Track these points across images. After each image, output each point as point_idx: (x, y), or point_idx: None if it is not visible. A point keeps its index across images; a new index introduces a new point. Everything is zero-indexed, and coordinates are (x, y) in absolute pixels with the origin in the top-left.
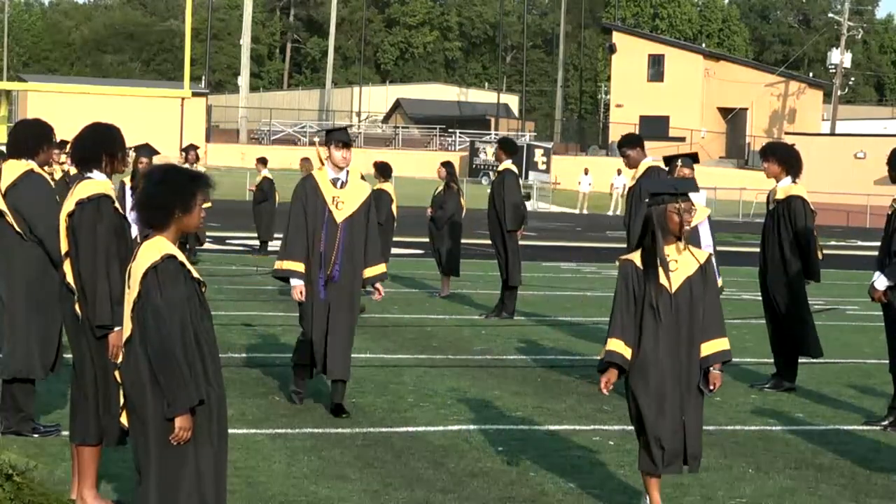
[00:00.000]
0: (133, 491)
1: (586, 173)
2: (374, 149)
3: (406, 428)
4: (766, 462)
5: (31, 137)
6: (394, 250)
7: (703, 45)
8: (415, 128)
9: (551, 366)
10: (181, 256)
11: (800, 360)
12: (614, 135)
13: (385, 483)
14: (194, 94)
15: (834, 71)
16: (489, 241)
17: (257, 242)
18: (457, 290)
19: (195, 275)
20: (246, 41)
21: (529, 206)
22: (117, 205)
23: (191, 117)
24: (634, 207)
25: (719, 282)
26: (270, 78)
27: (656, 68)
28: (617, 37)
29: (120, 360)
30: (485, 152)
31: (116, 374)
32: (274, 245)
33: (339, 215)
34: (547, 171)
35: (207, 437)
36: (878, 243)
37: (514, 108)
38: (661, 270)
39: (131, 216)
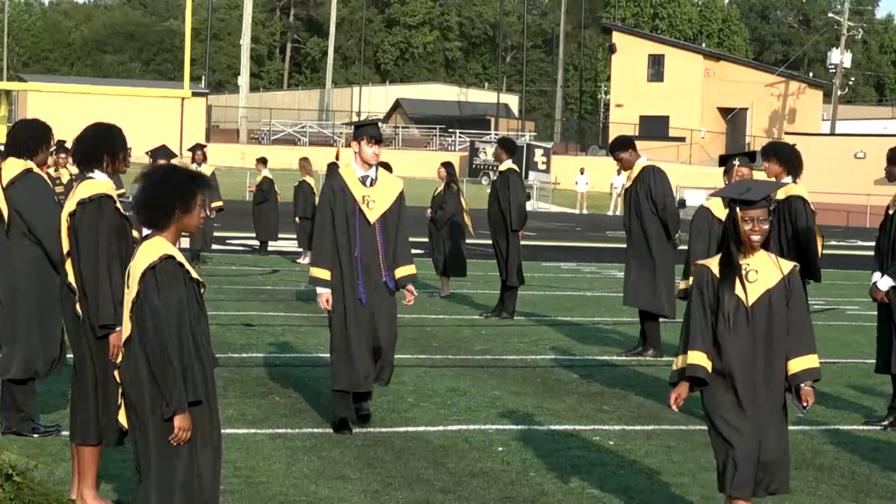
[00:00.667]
0: (133, 491)
1: (582, 173)
2: None
3: (406, 428)
4: None
5: (31, 138)
6: None
7: (703, 45)
8: (415, 128)
9: (551, 366)
10: (180, 257)
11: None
12: (614, 135)
13: (385, 483)
14: (194, 94)
15: (834, 71)
16: (489, 241)
17: (257, 242)
18: (457, 290)
19: (194, 275)
20: (246, 41)
21: (529, 206)
22: (119, 204)
23: (191, 117)
24: (633, 208)
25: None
26: (270, 78)
27: (656, 68)
28: (617, 37)
29: (119, 359)
30: (485, 152)
31: (116, 374)
32: (274, 245)
33: (372, 215)
34: (547, 171)
35: (207, 437)
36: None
37: (514, 108)
38: (737, 281)
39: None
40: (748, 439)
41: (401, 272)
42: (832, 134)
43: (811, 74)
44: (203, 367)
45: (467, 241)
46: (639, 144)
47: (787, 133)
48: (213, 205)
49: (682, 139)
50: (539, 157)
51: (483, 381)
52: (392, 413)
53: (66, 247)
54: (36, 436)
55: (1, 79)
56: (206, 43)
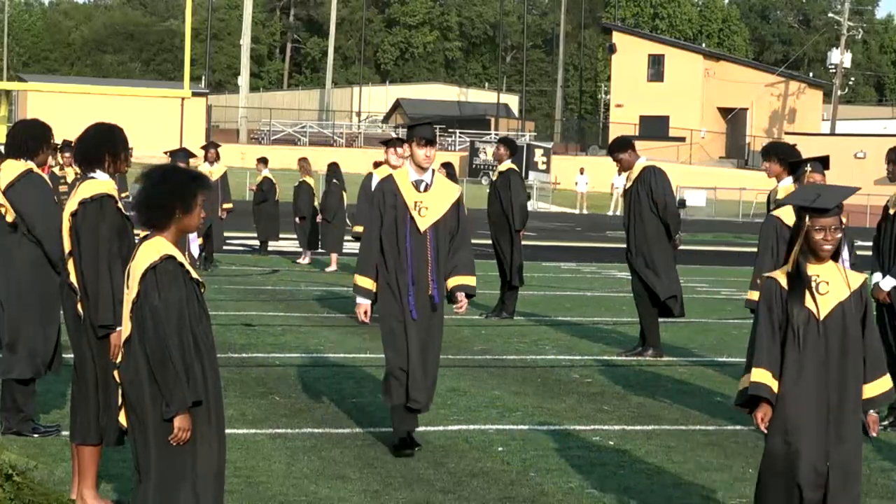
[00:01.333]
0: (133, 491)
1: (582, 173)
2: (374, 149)
3: None
4: None
5: (31, 138)
6: None
7: (703, 45)
8: None
9: (551, 366)
10: (181, 257)
11: None
12: (614, 135)
13: (385, 483)
14: (194, 94)
15: (834, 71)
16: (489, 241)
17: (257, 242)
18: None
19: (194, 275)
20: (246, 41)
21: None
22: (120, 204)
23: (191, 117)
24: (634, 208)
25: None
26: (270, 78)
27: (656, 68)
28: (617, 37)
29: (119, 359)
30: (485, 152)
31: (115, 374)
32: (274, 245)
33: (423, 223)
34: (547, 171)
35: (206, 437)
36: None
37: (514, 108)
38: (806, 293)
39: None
40: (813, 465)
41: (456, 280)
42: (832, 134)
43: (811, 74)
44: (204, 367)
45: None
46: (639, 144)
47: (787, 133)
48: (224, 206)
49: (682, 139)
50: (539, 157)
51: (483, 381)
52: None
53: (67, 246)
54: (36, 436)
55: (1, 79)
56: (206, 43)
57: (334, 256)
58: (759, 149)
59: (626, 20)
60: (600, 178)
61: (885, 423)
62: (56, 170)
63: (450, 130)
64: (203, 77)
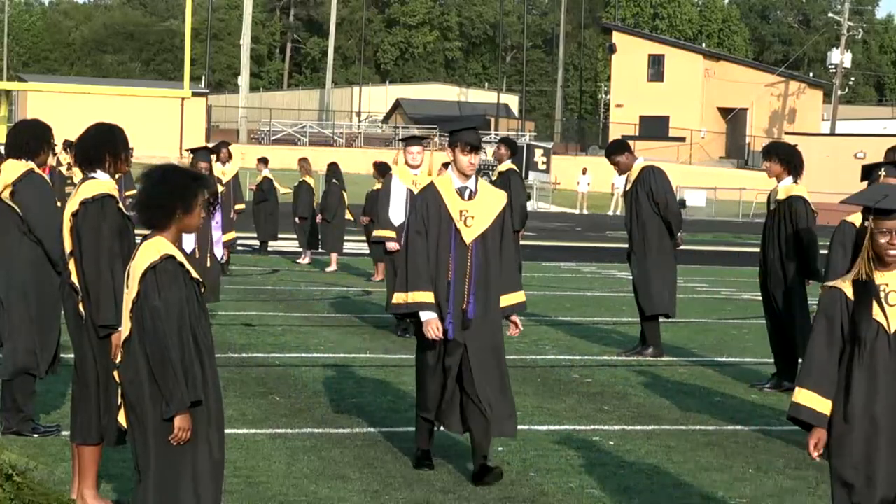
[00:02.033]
0: (133, 491)
1: (584, 173)
2: (374, 149)
3: (406, 428)
4: (766, 462)
5: (32, 138)
6: None
7: (703, 45)
8: (415, 128)
9: (551, 366)
10: (181, 257)
11: (800, 360)
12: (614, 135)
13: (385, 483)
14: (194, 94)
15: (834, 71)
16: None
17: (257, 242)
18: None
19: (194, 275)
20: (246, 41)
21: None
22: (121, 204)
23: (191, 117)
24: (634, 209)
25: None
26: (270, 78)
27: (656, 68)
28: (617, 37)
29: (119, 359)
30: (485, 152)
31: (115, 373)
32: (274, 245)
33: (469, 234)
34: (547, 171)
35: (205, 437)
36: None
37: (514, 108)
38: (874, 304)
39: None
40: (883, 494)
41: (507, 300)
42: (832, 134)
43: (811, 74)
44: (204, 367)
45: None
46: (639, 145)
47: (787, 133)
48: (236, 207)
49: (682, 139)
50: (539, 157)
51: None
52: (392, 413)
53: (68, 246)
54: (36, 436)
55: (1, 79)
56: (206, 43)
57: (334, 256)
58: (760, 149)
59: (626, 20)
60: (600, 178)
61: None
62: (63, 170)
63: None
64: (203, 77)
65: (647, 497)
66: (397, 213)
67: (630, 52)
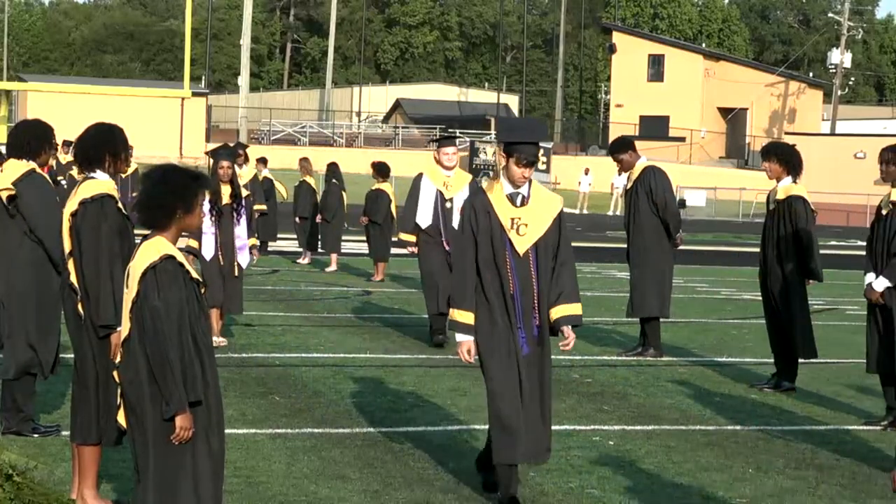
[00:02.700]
0: (132, 491)
1: (586, 173)
2: (374, 149)
3: (406, 428)
4: (766, 462)
5: (33, 138)
6: (393, 250)
7: (703, 45)
8: (415, 128)
9: (551, 366)
10: (180, 257)
11: (800, 360)
12: (614, 135)
13: (385, 483)
14: (194, 94)
15: (834, 71)
16: None
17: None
18: None
19: (194, 275)
20: (246, 41)
21: None
22: (121, 205)
23: (191, 117)
24: (634, 209)
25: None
26: (270, 78)
27: (656, 68)
28: (617, 37)
29: (118, 359)
30: (485, 152)
31: (115, 373)
32: (274, 245)
33: (522, 243)
34: (547, 170)
35: (205, 437)
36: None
37: (514, 108)
38: None
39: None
40: None
41: (560, 311)
42: (832, 134)
43: (811, 74)
44: (203, 367)
45: None
46: (639, 144)
47: (787, 133)
48: (256, 207)
49: (682, 139)
50: (539, 157)
51: (483, 382)
52: (392, 413)
53: (67, 246)
54: (36, 436)
55: (1, 79)
56: (206, 43)
57: (334, 256)
58: (759, 149)
59: (626, 20)
60: (600, 178)
61: (885, 423)
62: (74, 173)
63: (450, 130)
64: (203, 77)
65: (647, 497)
66: (425, 215)
67: (630, 52)
